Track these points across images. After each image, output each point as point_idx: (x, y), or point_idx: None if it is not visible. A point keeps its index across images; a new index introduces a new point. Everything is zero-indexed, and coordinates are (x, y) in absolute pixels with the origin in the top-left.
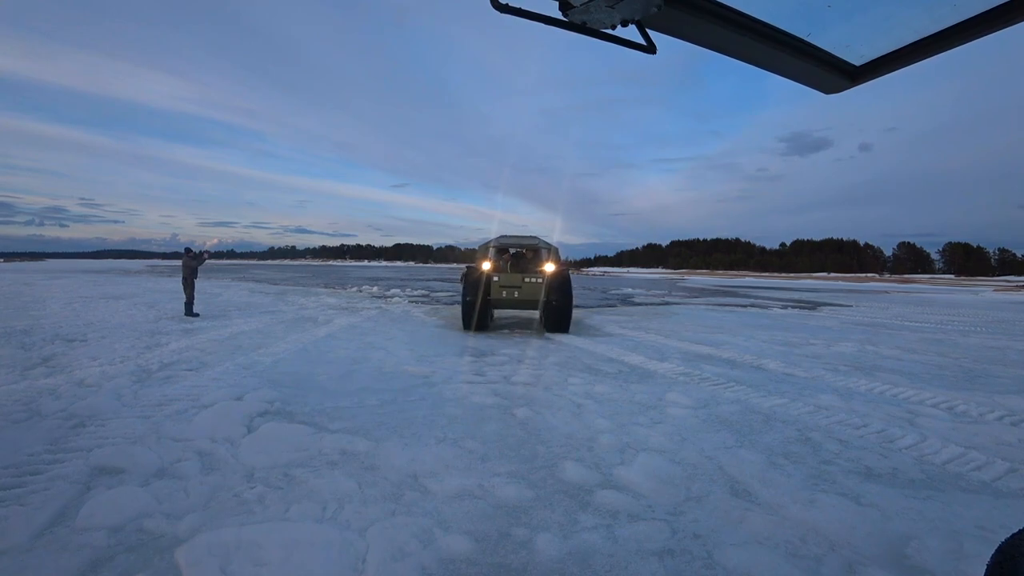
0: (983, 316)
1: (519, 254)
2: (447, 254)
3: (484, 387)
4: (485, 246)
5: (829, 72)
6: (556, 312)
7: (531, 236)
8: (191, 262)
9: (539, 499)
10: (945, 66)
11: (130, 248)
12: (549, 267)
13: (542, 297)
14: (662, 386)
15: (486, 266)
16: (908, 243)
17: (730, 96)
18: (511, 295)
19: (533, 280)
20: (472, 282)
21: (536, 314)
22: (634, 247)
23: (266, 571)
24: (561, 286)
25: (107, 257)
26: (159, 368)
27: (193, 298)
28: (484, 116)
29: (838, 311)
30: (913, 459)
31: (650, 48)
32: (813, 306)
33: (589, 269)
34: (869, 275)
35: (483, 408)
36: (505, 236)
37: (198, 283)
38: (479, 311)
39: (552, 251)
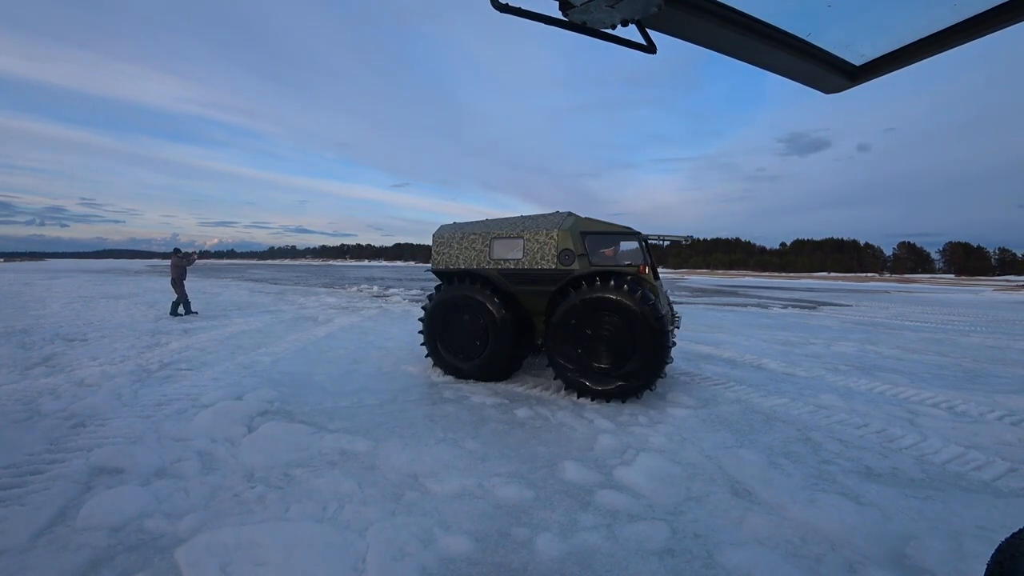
0: (983, 316)
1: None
2: None
3: (484, 387)
4: (550, 220)
5: (829, 72)
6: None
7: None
8: (180, 262)
9: (539, 499)
10: (945, 66)
11: (130, 248)
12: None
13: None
14: (662, 386)
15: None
16: (908, 243)
17: (729, 96)
18: None
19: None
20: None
21: None
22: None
23: (266, 571)
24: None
25: (107, 257)
26: (159, 368)
27: (186, 298)
28: (484, 116)
29: (838, 311)
30: (913, 459)
31: (650, 48)
32: (813, 305)
33: None
34: (869, 275)
35: (483, 408)
36: (559, 213)
37: (188, 283)
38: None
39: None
